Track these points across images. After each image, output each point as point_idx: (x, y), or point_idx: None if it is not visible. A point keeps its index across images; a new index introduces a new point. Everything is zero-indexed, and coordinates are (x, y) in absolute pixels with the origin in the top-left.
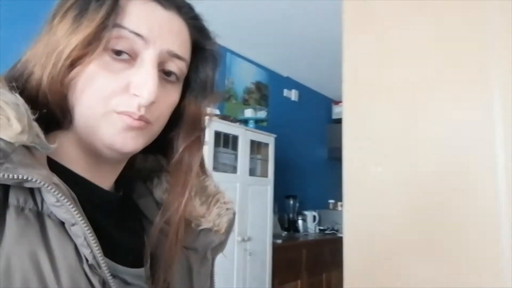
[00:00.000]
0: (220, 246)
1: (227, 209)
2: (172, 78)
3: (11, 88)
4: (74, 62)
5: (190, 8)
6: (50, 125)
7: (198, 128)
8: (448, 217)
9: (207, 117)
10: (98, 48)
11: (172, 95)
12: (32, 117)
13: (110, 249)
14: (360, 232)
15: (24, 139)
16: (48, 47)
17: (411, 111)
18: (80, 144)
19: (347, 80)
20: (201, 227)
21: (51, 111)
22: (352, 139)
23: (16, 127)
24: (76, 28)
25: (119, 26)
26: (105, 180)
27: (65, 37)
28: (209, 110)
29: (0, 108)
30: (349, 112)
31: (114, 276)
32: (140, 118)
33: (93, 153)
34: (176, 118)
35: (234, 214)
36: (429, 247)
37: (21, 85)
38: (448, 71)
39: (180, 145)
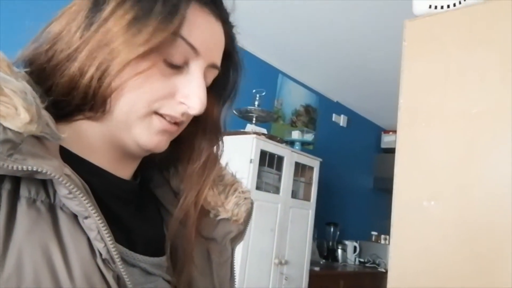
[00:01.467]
0: (239, 236)
1: (245, 198)
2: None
3: (18, 76)
4: (130, 63)
5: (230, 18)
6: (74, 112)
7: (219, 130)
8: (504, 260)
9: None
10: (159, 56)
11: None
12: (42, 105)
13: (129, 238)
14: (407, 269)
15: (33, 128)
16: (99, 35)
17: (469, 144)
18: (106, 137)
19: (403, 107)
20: (219, 217)
21: (87, 101)
22: (404, 170)
23: (25, 116)
24: (138, 31)
25: (182, 38)
26: (125, 171)
27: (124, 34)
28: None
29: (8, 97)
30: (403, 142)
31: (134, 265)
32: (179, 122)
33: (119, 147)
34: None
35: (252, 203)
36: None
37: (50, 63)
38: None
39: (204, 148)
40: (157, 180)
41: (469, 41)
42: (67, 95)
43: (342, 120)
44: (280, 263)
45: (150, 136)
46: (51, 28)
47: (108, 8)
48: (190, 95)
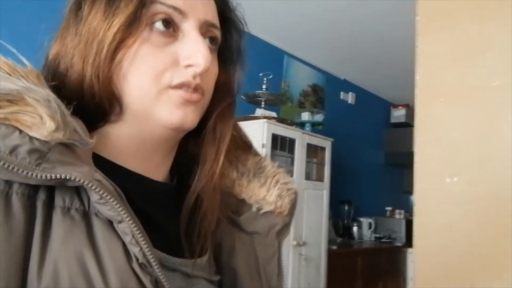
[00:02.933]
0: (285, 228)
1: (288, 189)
2: (214, 45)
3: (45, 85)
4: (118, 46)
5: None
6: (98, 119)
7: (228, 94)
8: None
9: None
10: (140, 25)
11: (214, 64)
12: (67, 112)
13: (168, 243)
14: (431, 245)
15: (60, 136)
16: (84, 36)
17: (490, 118)
18: (131, 136)
19: (420, 83)
20: (262, 210)
21: (98, 102)
22: (424, 147)
23: (50, 124)
24: (114, 11)
25: (156, 1)
26: (157, 171)
27: (102, 22)
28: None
29: (32, 106)
30: (421, 118)
31: (174, 270)
32: (196, 88)
33: (146, 143)
34: None
35: (296, 193)
36: (506, 265)
37: (61, 80)
38: None
39: (212, 112)
40: (195, 173)
41: (482, 15)
42: (82, 105)
43: (350, 98)
44: (298, 244)
45: (172, 111)
46: (51, 51)
47: (85, 9)
48: (191, 54)
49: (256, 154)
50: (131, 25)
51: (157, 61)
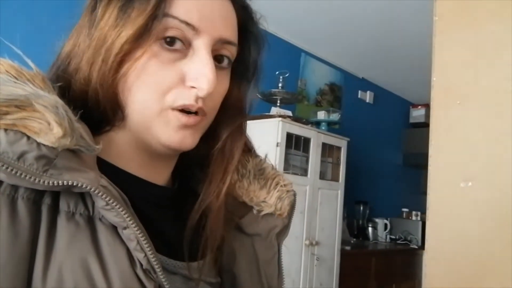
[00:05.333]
0: (284, 230)
1: (288, 191)
2: (224, 64)
3: (51, 89)
4: (124, 57)
5: None
6: (102, 124)
7: (241, 114)
8: None
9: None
10: (149, 39)
11: (224, 82)
12: (74, 118)
13: (169, 246)
14: (443, 250)
15: (67, 142)
16: (94, 41)
17: (507, 121)
18: (133, 142)
19: (436, 85)
20: (263, 213)
21: (102, 109)
22: (439, 150)
23: (57, 131)
24: (124, 20)
25: (169, 15)
26: (160, 175)
27: (112, 30)
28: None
29: (39, 112)
30: (437, 120)
31: (175, 273)
32: (197, 111)
33: (147, 150)
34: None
35: (294, 195)
36: None
37: (67, 82)
38: None
39: (223, 132)
40: (198, 177)
41: (502, 13)
42: (87, 108)
43: (368, 97)
44: (311, 244)
45: (171, 134)
46: (64, 48)
47: (99, 12)
48: (196, 76)
49: (256, 155)
50: (141, 37)
51: (163, 78)
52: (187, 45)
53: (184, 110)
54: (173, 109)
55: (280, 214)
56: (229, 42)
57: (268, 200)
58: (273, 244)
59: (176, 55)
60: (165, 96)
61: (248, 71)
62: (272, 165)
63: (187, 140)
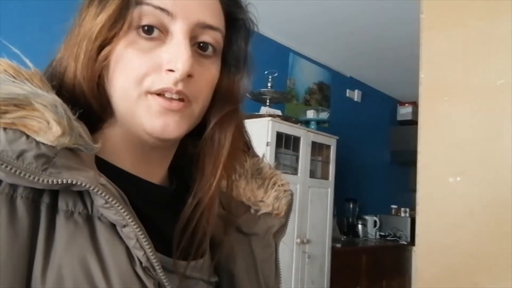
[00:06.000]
0: (281, 230)
1: (285, 191)
2: (209, 51)
3: (49, 88)
4: (103, 45)
5: None
6: (97, 122)
7: (230, 102)
8: None
9: (242, 93)
10: (124, 25)
11: (211, 70)
12: (73, 117)
13: (167, 245)
14: (434, 245)
15: (66, 141)
16: (79, 37)
17: (495, 116)
18: (125, 137)
19: (424, 82)
20: (260, 212)
21: (90, 104)
22: (428, 146)
23: (56, 129)
24: (101, 10)
25: (143, 2)
26: (155, 173)
27: (91, 21)
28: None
29: (39, 111)
30: (425, 117)
31: (173, 272)
32: (178, 94)
33: (138, 144)
34: (213, 95)
35: (292, 195)
36: (509, 265)
37: (60, 81)
38: None
39: (211, 120)
40: (194, 175)
41: (490, 10)
42: (79, 106)
43: (356, 95)
44: (302, 242)
45: (152, 119)
46: (59, 53)
47: (83, 9)
48: (171, 58)
49: (254, 155)
50: (115, 24)
51: (140, 64)
52: (165, 32)
53: (165, 96)
54: (152, 93)
55: (278, 214)
56: (209, 27)
57: (265, 199)
58: (270, 244)
59: (155, 43)
60: (142, 82)
61: (237, 60)
62: (270, 165)
63: (170, 126)
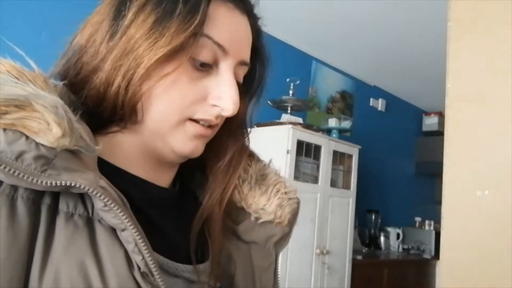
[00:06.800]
0: (284, 239)
1: (290, 199)
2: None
3: (52, 90)
4: (155, 69)
5: (255, 10)
6: (110, 124)
7: (245, 126)
8: None
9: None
10: (183, 57)
11: None
12: (74, 118)
13: (171, 248)
14: (458, 262)
15: (66, 143)
16: (122, 43)
17: None
18: (141, 147)
19: (451, 92)
20: (261, 220)
21: (119, 111)
22: (455, 158)
23: (57, 131)
24: (160, 33)
25: (206, 36)
26: (163, 179)
27: (145, 39)
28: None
29: (39, 112)
30: (452, 128)
31: (176, 276)
32: (214, 126)
33: (155, 156)
34: None
35: (298, 203)
36: None
37: (76, 76)
38: None
39: (230, 146)
40: (198, 180)
41: None
42: (97, 107)
43: (380, 105)
44: (322, 253)
45: (185, 142)
46: (77, 41)
47: (129, 15)
48: (222, 96)
49: (259, 160)
50: (175, 54)
51: (187, 92)
52: (215, 65)
53: (201, 124)
54: (192, 120)
55: (280, 222)
56: (246, 64)
57: (267, 207)
58: (270, 253)
59: (203, 74)
60: (186, 109)
61: (253, 88)
62: (276, 171)
63: (198, 148)
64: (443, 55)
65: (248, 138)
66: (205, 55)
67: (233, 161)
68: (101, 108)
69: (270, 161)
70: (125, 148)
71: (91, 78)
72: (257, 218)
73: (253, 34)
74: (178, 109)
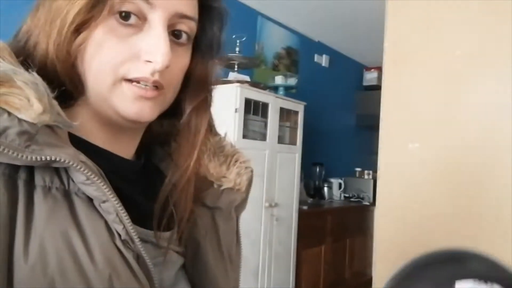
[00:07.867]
0: (242, 204)
1: (246, 167)
2: (183, 39)
3: (19, 64)
4: (79, 28)
5: None
6: (66, 99)
7: (205, 89)
8: (485, 193)
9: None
10: (103, 10)
11: (184, 58)
12: (52, 95)
13: (139, 216)
14: (393, 205)
15: (47, 118)
16: (51, 13)
17: (453, 85)
18: (96, 116)
19: (389, 49)
20: (223, 187)
21: (62, 83)
22: (390, 113)
23: (37, 107)
24: None
25: None
26: (125, 149)
27: (67, 0)
28: (217, 70)
29: (20, 88)
30: (388, 85)
31: (146, 241)
32: (154, 84)
33: (110, 124)
34: (184, 79)
35: (252, 172)
36: (464, 224)
37: (27, 56)
38: (491, 46)
39: (187, 107)
40: (160, 155)
41: None
42: (50, 83)
43: (324, 60)
44: (270, 205)
45: (127, 105)
46: (25, 24)
47: None
48: (151, 50)
49: (216, 133)
50: (94, 8)
51: (117, 51)
52: (143, 19)
53: (140, 84)
54: (127, 80)
55: (239, 189)
56: (186, 17)
57: (228, 175)
58: (232, 216)
59: (132, 30)
60: (118, 69)
61: (211, 47)
62: (231, 143)
63: (145, 111)
64: (384, 11)
65: (211, 98)
66: (127, 6)
67: (193, 119)
68: (54, 84)
69: (226, 134)
70: (84, 120)
71: (34, 54)
72: (219, 186)
73: None
74: (110, 69)
